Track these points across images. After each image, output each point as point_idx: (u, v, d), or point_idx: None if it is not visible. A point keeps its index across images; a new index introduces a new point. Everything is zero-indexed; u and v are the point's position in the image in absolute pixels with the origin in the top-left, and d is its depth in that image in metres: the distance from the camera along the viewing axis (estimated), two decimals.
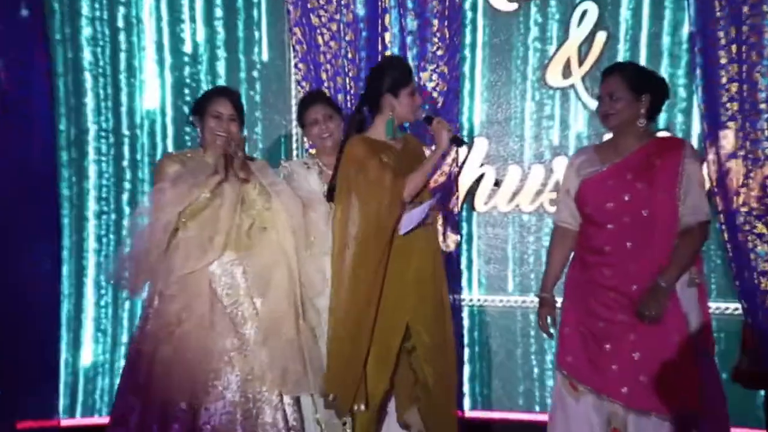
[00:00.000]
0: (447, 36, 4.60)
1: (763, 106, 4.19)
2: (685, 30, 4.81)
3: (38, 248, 4.66)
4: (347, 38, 4.61)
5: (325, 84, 4.58)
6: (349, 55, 4.61)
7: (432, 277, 4.02)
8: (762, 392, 4.66)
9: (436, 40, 4.60)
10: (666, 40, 4.94)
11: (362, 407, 3.95)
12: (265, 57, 5.31)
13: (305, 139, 4.35)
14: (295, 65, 4.68)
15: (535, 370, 5.16)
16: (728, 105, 4.21)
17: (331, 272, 3.96)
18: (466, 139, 4.18)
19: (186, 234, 3.88)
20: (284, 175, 4.19)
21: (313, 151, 4.26)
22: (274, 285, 3.97)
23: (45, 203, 4.69)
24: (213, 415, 3.84)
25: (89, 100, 5.28)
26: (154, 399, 3.82)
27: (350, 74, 4.62)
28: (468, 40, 5.09)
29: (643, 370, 3.66)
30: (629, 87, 3.72)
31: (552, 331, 3.96)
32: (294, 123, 5.17)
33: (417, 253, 3.98)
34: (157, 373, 3.83)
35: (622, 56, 4.97)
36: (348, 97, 4.61)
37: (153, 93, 5.29)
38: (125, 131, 5.31)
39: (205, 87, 5.19)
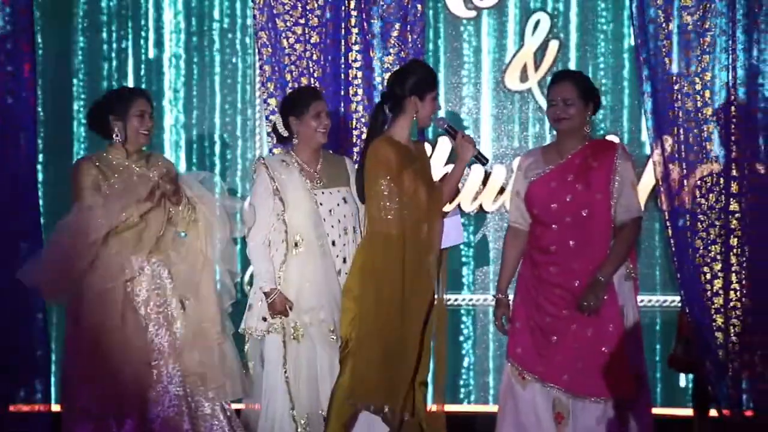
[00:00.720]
0: (409, 39, 4.70)
1: (694, 114, 4.53)
2: (627, 42, 5.22)
3: (26, 253, 4.70)
4: (312, 41, 4.69)
5: (290, 84, 4.65)
6: (314, 57, 4.70)
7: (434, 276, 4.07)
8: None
9: (398, 43, 4.70)
10: (612, 49, 5.31)
11: (408, 417, 4.00)
12: (227, 60, 5.48)
13: (271, 139, 4.40)
14: (260, 67, 4.75)
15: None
16: (668, 112, 4.55)
17: (363, 274, 3.98)
18: (488, 158, 4.25)
19: (107, 251, 4.06)
20: (260, 173, 4.20)
21: (277, 150, 4.32)
22: (203, 290, 4.16)
23: (29, 210, 4.75)
24: (161, 408, 4.09)
25: (56, 109, 5.45)
26: (102, 394, 4.04)
27: (315, 75, 4.70)
28: (429, 44, 5.27)
29: (582, 358, 3.89)
30: (580, 94, 3.95)
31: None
32: (257, 123, 5.34)
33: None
34: (99, 371, 4.02)
35: (574, 63, 5.29)
36: None
37: None
38: (86, 137, 5.47)
39: (166, 92, 5.41)
